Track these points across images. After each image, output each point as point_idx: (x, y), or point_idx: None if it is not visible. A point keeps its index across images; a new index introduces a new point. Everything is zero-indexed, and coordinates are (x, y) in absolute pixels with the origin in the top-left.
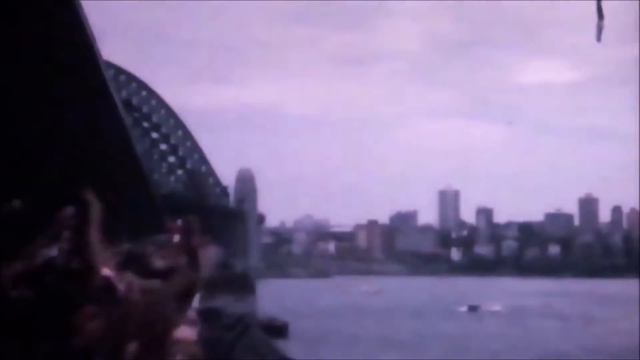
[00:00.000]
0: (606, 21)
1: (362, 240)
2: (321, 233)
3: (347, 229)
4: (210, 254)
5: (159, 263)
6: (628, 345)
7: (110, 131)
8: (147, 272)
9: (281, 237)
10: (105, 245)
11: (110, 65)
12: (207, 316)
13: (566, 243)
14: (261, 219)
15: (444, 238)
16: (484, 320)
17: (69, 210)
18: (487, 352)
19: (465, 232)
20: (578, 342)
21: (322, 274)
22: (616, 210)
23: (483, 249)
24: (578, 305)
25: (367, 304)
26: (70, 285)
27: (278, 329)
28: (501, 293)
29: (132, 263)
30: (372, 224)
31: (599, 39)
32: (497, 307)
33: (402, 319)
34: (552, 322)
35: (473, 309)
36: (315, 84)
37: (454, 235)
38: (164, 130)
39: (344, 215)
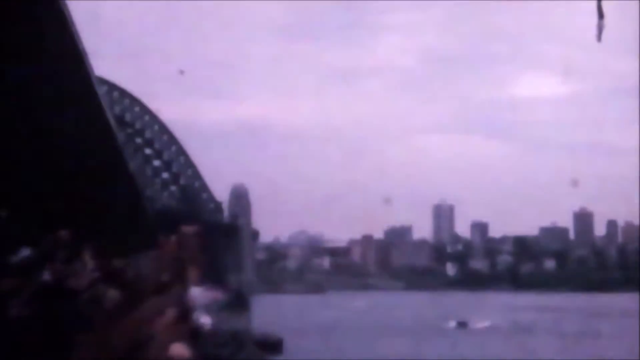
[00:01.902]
0: (603, 34)
1: (356, 255)
2: (316, 248)
3: (342, 244)
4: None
5: (151, 279)
6: None
7: (102, 147)
8: (138, 288)
9: (275, 252)
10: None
11: (103, 81)
12: (202, 333)
13: (561, 257)
14: (255, 234)
15: (439, 253)
16: (470, 338)
17: (64, 232)
18: None
19: (460, 247)
20: None
21: (316, 289)
22: (611, 224)
23: (478, 264)
24: (573, 320)
25: (359, 320)
26: (63, 305)
27: (273, 345)
28: (494, 308)
29: (124, 279)
30: (367, 238)
31: (599, 38)
32: (486, 323)
33: (390, 337)
34: (544, 338)
35: (462, 325)
36: (309, 99)
37: (449, 249)
38: (157, 146)
39: (338, 230)
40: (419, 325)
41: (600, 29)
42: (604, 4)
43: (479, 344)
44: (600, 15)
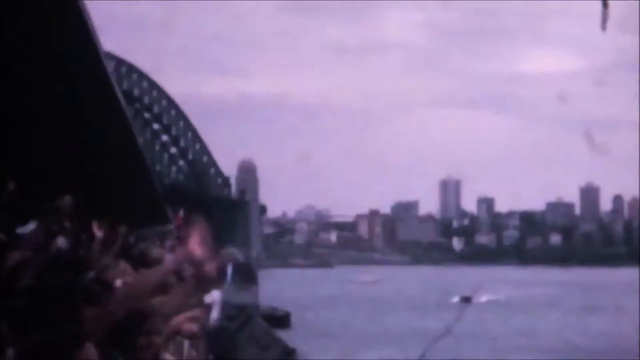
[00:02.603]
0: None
1: (363, 230)
2: (323, 223)
3: (349, 219)
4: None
5: (158, 254)
6: (629, 340)
7: (111, 122)
8: (147, 262)
9: (283, 227)
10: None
11: (111, 56)
12: (211, 306)
13: (567, 232)
14: (263, 209)
15: (446, 228)
16: (474, 313)
17: (67, 200)
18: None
19: (466, 222)
20: (578, 336)
21: (323, 263)
22: (617, 199)
23: (484, 239)
24: (578, 294)
25: (365, 294)
26: (71, 278)
27: (280, 319)
28: (500, 283)
29: (133, 253)
30: (374, 213)
31: (603, 27)
32: (491, 298)
33: (395, 311)
34: (548, 312)
35: (466, 300)
36: (316, 74)
37: (455, 224)
38: (165, 121)
39: (345, 205)
40: (424, 300)
41: (604, 18)
42: None
43: (481, 318)
44: (605, 4)
